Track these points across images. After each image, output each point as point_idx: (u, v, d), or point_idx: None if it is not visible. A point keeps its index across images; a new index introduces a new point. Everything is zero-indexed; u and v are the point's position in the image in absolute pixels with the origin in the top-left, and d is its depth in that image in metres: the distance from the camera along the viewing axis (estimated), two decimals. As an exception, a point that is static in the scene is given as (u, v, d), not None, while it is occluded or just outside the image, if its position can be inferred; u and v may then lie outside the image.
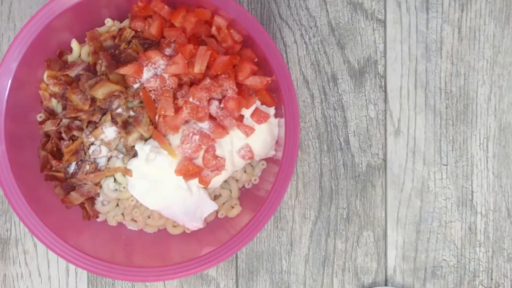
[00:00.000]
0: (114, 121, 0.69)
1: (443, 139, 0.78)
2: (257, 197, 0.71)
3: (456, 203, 0.78)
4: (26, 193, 0.68)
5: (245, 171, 0.73)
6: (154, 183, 0.69)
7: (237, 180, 0.73)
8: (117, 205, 0.72)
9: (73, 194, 0.70)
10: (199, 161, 0.69)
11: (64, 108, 0.71)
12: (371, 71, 0.78)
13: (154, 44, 0.70)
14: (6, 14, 0.78)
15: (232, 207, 0.73)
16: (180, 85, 0.69)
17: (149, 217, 0.73)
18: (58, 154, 0.70)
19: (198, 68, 0.67)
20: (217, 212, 0.73)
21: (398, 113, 0.78)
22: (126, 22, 0.72)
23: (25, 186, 0.68)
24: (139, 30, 0.71)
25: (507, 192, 0.78)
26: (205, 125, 0.68)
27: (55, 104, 0.71)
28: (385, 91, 0.78)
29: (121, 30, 0.71)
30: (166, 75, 0.68)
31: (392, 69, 0.78)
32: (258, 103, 0.71)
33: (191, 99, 0.67)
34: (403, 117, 0.78)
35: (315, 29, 0.78)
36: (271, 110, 0.71)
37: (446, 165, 0.78)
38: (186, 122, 0.69)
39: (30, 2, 0.77)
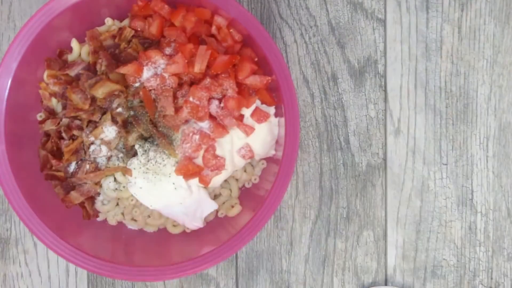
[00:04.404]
0: (114, 121, 0.69)
1: (443, 139, 0.78)
2: (257, 197, 0.71)
3: (456, 202, 0.78)
4: (26, 192, 0.68)
5: (245, 171, 0.73)
6: (154, 182, 0.69)
7: (237, 180, 0.73)
8: (117, 204, 0.72)
9: (73, 194, 0.70)
10: (199, 161, 0.69)
11: (64, 108, 0.71)
12: (371, 70, 0.78)
13: (154, 43, 0.70)
14: (6, 14, 0.78)
15: (232, 207, 0.73)
16: (180, 85, 0.69)
17: (149, 216, 0.73)
18: (58, 154, 0.70)
19: (198, 67, 0.67)
20: (217, 211, 0.73)
21: (398, 112, 0.78)
22: (126, 22, 0.72)
23: (25, 185, 0.68)
24: (139, 29, 0.71)
25: (507, 192, 0.78)
26: (205, 125, 0.68)
27: (55, 103, 0.71)
28: (385, 91, 0.78)
29: (121, 29, 0.71)
30: (166, 75, 0.68)
31: (392, 68, 0.78)
32: (258, 102, 0.71)
33: (191, 99, 0.67)
34: (403, 116, 0.78)
35: (315, 29, 0.78)
36: (271, 110, 0.71)
37: (446, 164, 0.78)
38: (186, 121, 0.69)
39: (30, 2, 0.77)
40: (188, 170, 0.68)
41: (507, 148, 0.78)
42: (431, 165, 0.78)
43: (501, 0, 0.78)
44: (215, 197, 0.73)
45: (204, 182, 0.69)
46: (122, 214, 0.73)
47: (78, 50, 0.71)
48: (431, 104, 0.78)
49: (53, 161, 0.69)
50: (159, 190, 0.69)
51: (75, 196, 0.70)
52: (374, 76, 0.78)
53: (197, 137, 0.68)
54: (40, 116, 0.72)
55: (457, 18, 0.78)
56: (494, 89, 0.78)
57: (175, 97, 0.68)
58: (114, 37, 0.71)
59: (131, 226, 0.74)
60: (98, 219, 0.73)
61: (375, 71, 0.78)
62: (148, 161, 0.68)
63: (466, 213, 0.78)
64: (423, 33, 0.78)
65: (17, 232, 0.78)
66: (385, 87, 0.78)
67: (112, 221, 0.73)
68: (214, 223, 0.73)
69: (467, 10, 0.78)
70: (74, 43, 0.71)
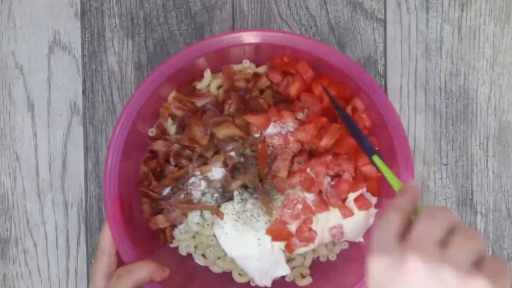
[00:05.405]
0: (224, 163, 0.68)
1: (443, 139, 0.78)
2: (329, 276, 0.71)
3: (456, 202, 0.78)
4: (121, 202, 0.66)
5: (326, 246, 0.72)
6: (242, 233, 0.68)
7: (314, 250, 0.72)
8: (194, 237, 0.71)
9: (160, 218, 0.68)
10: (291, 227, 0.68)
11: (177, 132, 0.69)
12: (371, 70, 0.78)
13: (284, 100, 0.69)
14: (6, 13, 0.78)
15: (303, 276, 0.71)
16: (299, 151, 0.68)
17: (219, 258, 0.71)
18: (159, 175, 0.69)
19: (326, 142, 0.66)
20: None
21: (398, 112, 0.78)
22: (261, 68, 0.71)
23: (124, 193, 0.66)
24: (274, 81, 0.69)
25: (507, 192, 0.78)
26: (311, 197, 0.67)
27: (169, 124, 0.70)
28: (385, 91, 0.78)
29: (256, 76, 0.69)
30: (291, 138, 0.67)
31: (392, 68, 0.78)
32: (363, 189, 0.70)
33: (308, 170, 0.66)
34: (403, 116, 0.78)
35: (315, 29, 0.78)
36: (374, 200, 0.70)
37: (446, 164, 0.78)
38: (293, 186, 0.68)
39: (30, 1, 0.77)
40: (280, 234, 0.67)
41: (507, 148, 0.78)
42: (431, 165, 0.78)
43: (501, 0, 0.78)
44: (288, 259, 0.71)
45: (290, 249, 0.68)
46: (195, 247, 0.72)
47: (209, 81, 0.70)
48: (431, 104, 0.78)
49: (154, 183, 0.68)
50: (243, 241, 0.68)
51: (161, 221, 0.69)
52: (374, 76, 0.78)
53: (300, 206, 0.67)
54: (151, 132, 0.70)
55: (457, 18, 0.78)
56: (494, 89, 0.78)
57: (291, 162, 0.67)
58: (247, 81, 0.69)
59: (198, 260, 0.72)
60: (171, 245, 0.71)
61: (375, 71, 0.78)
62: (243, 211, 0.67)
63: (466, 213, 0.78)
64: (423, 33, 0.78)
65: (17, 232, 0.78)
66: (385, 87, 0.78)
67: (183, 251, 0.71)
68: (278, 285, 0.72)
69: (467, 10, 0.78)
70: (208, 73, 0.70)
